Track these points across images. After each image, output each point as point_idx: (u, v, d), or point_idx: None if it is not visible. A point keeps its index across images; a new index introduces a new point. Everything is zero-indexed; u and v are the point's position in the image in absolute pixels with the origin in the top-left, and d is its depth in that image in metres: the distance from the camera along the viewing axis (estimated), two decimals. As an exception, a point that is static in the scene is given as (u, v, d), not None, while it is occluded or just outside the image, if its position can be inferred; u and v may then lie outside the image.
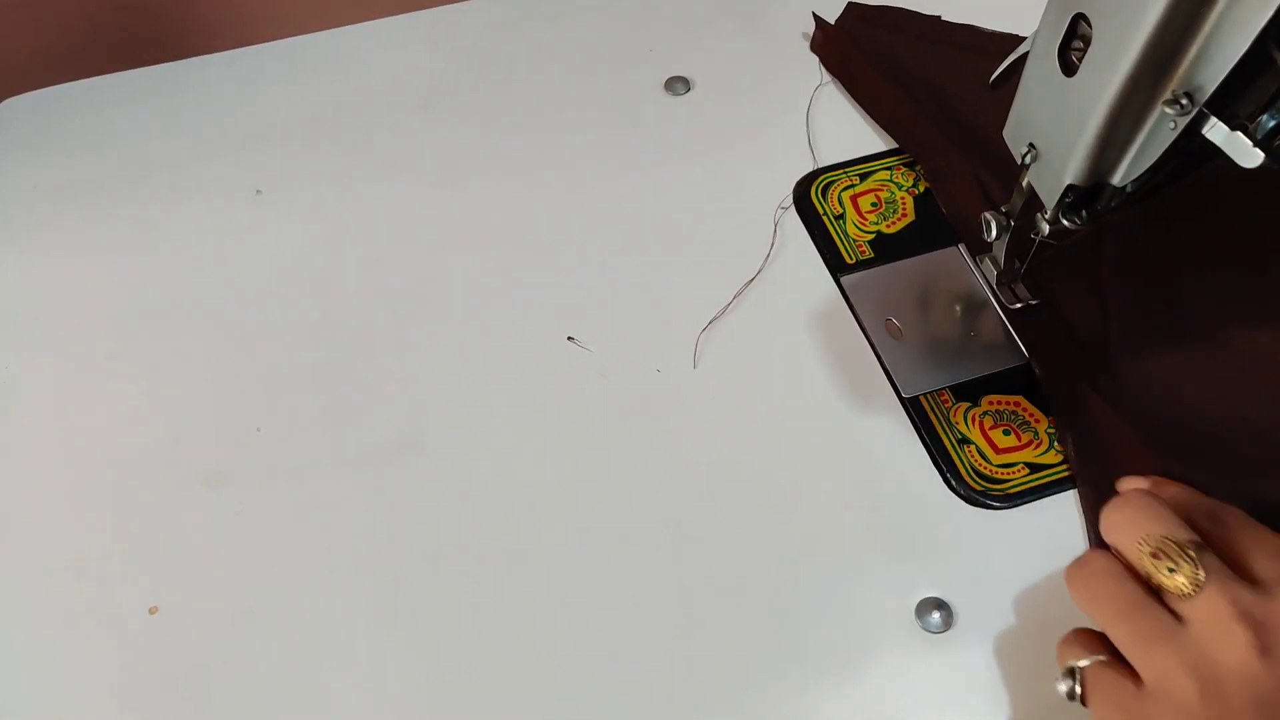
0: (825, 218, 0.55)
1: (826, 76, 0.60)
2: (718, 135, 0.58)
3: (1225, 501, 0.40)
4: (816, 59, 0.61)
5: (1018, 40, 0.60)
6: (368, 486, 0.48)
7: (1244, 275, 0.50)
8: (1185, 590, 0.34)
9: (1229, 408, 0.47)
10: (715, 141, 0.58)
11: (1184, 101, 0.37)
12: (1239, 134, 0.36)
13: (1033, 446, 0.47)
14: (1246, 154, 0.36)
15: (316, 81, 0.62)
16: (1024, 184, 0.45)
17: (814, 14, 0.61)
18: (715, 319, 0.51)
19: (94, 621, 0.45)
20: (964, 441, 0.48)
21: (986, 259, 0.52)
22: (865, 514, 0.46)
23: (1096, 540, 0.44)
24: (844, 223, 0.55)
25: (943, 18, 0.61)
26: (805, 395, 0.49)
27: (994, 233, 0.48)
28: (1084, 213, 0.43)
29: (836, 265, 0.53)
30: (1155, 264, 0.50)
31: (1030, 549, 0.45)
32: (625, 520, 0.46)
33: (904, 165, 0.57)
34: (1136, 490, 0.39)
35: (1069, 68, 0.40)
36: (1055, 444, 0.47)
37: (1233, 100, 0.36)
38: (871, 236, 0.54)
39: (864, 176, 0.56)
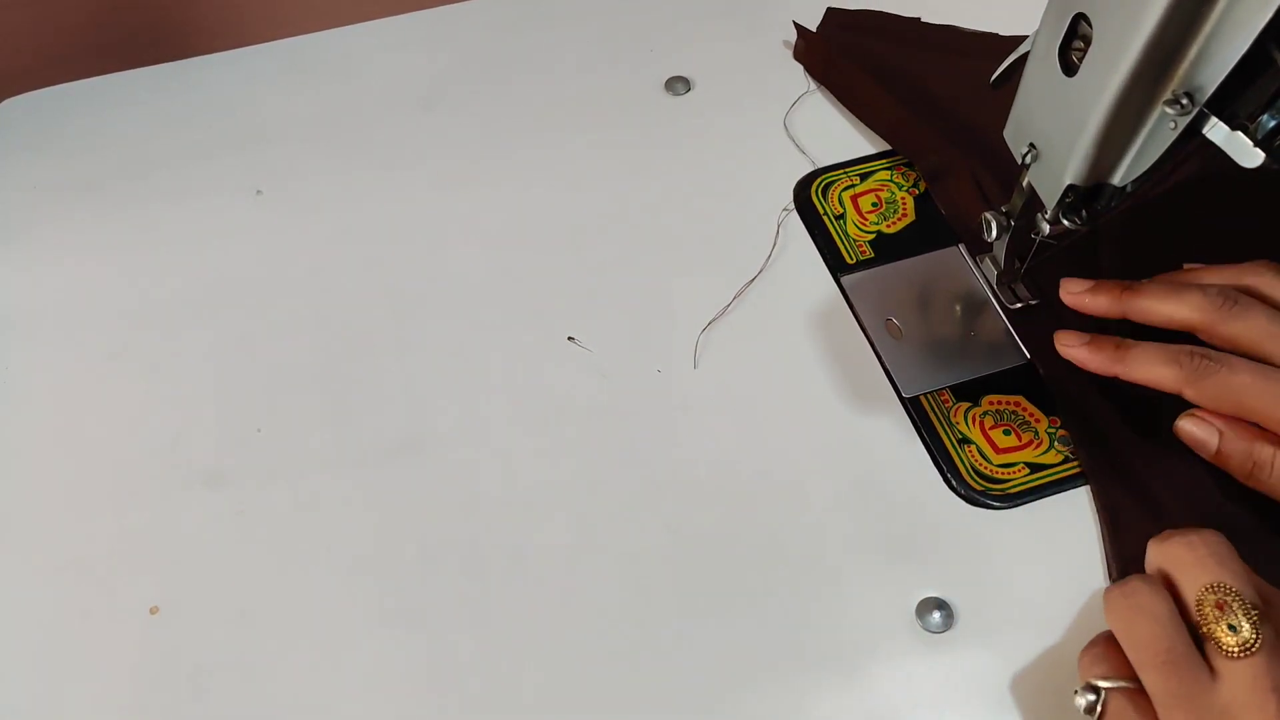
0: (825, 217, 0.55)
1: (812, 84, 0.60)
2: (718, 135, 0.58)
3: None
4: (801, 67, 0.61)
5: (997, 39, 0.60)
6: (368, 486, 0.48)
7: None
8: (1236, 652, 0.33)
9: None
10: (715, 141, 0.58)
11: (1184, 101, 0.37)
12: (1239, 134, 0.36)
13: (1033, 446, 0.47)
14: (1247, 154, 0.36)
15: (317, 82, 0.62)
16: (1024, 184, 0.45)
17: (795, 23, 0.61)
18: (715, 319, 0.52)
19: (94, 621, 0.45)
20: (964, 441, 0.48)
21: (987, 259, 0.52)
22: (865, 514, 0.46)
23: (1114, 553, 0.44)
24: (844, 222, 0.55)
25: (922, 19, 0.62)
26: (805, 395, 0.50)
27: (994, 233, 0.48)
28: (1084, 213, 0.43)
29: (837, 265, 0.53)
30: (1155, 264, 0.50)
31: (1031, 549, 0.45)
32: (625, 520, 0.46)
33: (904, 165, 0.57)
34: (1214, 532, 0.38)
35: (1069, 68, 0.40)
36: (1056, 444, 0.47)
37: (1233, 100, 0.36)
38: (872, 236, 0.54)
39: (864, 176, 0.57)
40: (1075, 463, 0.47)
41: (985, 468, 0.47)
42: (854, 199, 0.56)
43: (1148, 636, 0.35)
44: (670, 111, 0.60)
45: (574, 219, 0.56)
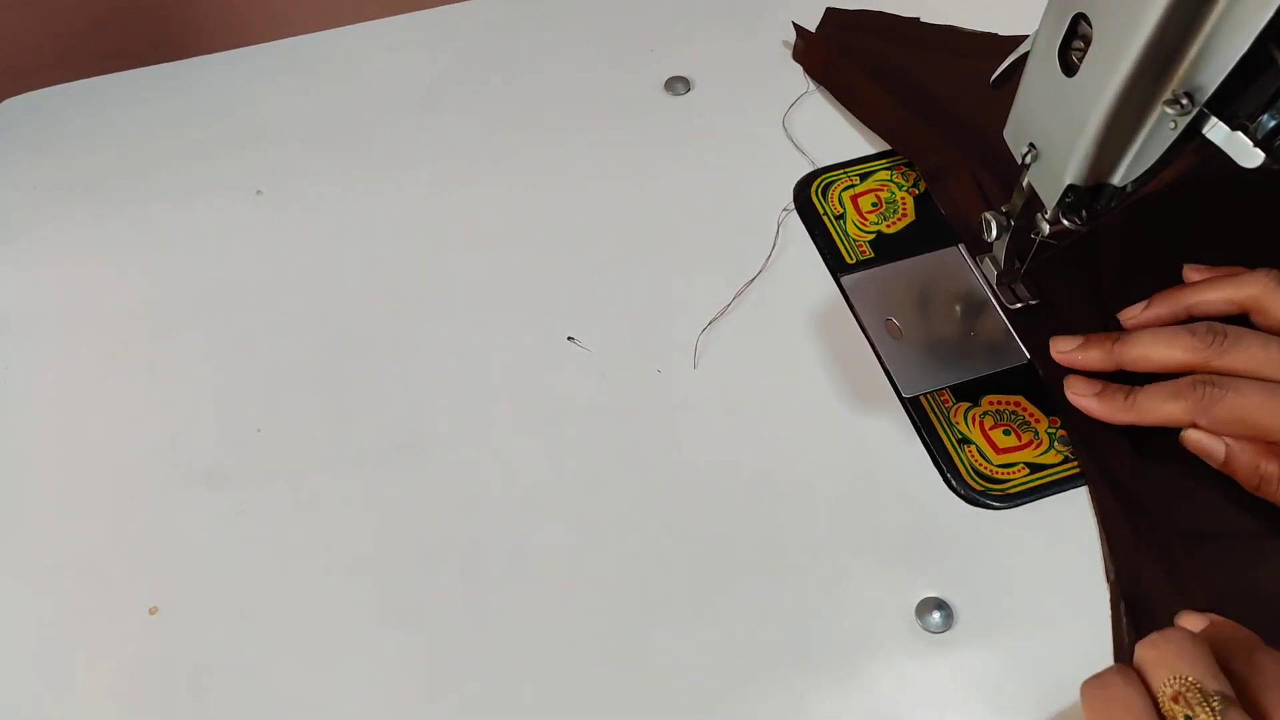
0: (825, 218, 0.55)
1: (811, 84, 0.60)
2: (718, 135, 0.58)
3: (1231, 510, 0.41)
4: (800, 67, 0.61)
5: (997, 39, 0.60)
6: (368, 486, 0.48)
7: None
8: None
9: None
10: (715, 141, 0.58)
11: (1184, 101, 0.37)
12: (1239, 134, 0.36)
13: (1033, 446, 0.47)
14: (1247, 154, 0.36)
15: (316, 82, 0.62)
16: (1024, 184, 0.45)
17: (794, 23, 0.61)
18: (715, 319, 0.52)
19: (94, 621, 0.45)
20: (964, 441, 0.48)
21: (987, 259, 0.52)
22: (865, 514, 0.46)
23: (1111, 556, 0.44)
24: (844, 223, 0.55)
25: (921, 19, 0.62)
26: (805, 395, 0.50)
27: (994, 233, 0.48)
28: (1084, 213, 0.43)
29: (837, 265, 0.53)
30: (1155, 263, 0.50)
31: (1030, 549, 0.45)
32: (625, 520, 0.46)
33: (904, 165, 0.57)
34: (1178, 629, 0.38)
35: (1069, 68, 0.40)
36: (1056, 444, 0.47)
37: (1233, 100, 0.36)
38: (872, 236, 0.54)
39: (864, 176, 0.57)
40: (1075, 463, 0.47)
41: (985, 468, 0.47)
42: (854, 199, 0.56)
43: None
44: (670, 112, 0.60)
45: (574, 219, 0.56)
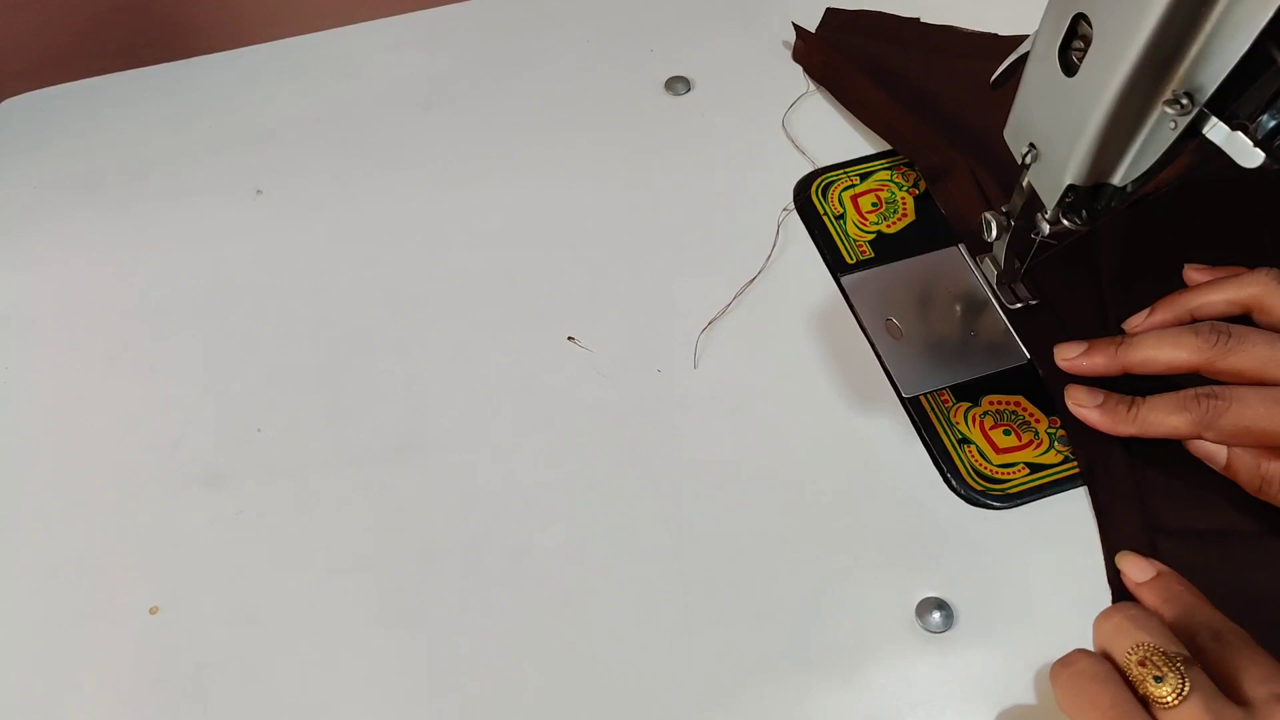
0: (825, 217, 0.55)
1: (811, 85, 0.60)
2: (718, 135, 0.58)
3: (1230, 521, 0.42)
4: (800, 68, 0.61)
5: (997, 39, 0.60)
6: (368, 486, 0.48)
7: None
8: (1169, 700, 0.34)
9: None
10: (715, 141, 0.58)
11: (1184, 101, 0.37)
12: (1239, 134, 0.36)
13: (1033, 446, 0.47)
14: (1247, 154, 0.36)
15: (316, 82, 0.62)
16: (1024, 184, 0.45)
17: (794, 24, 0.61)
18: (715, 319, 0.52)
19: (95, 621, 0.45)
20: (964, 441, 0.48)
21: (987, 259, 0.52)
22: (865, 514, 0.46)
23: (1110, 555, 0.44)
24: (844, 223, 0.55)
25: (921, 19, 0.62)
26: (805, 395, 0.50)
27: (994, 233, 0.48)
28: (1084, 213, 0.43)
29: (837, 265, 0.53)
30: (1155, 263, 0.50)
31: (1031, 549, 0.45)
32: (625, 520, 0.46)
33: (904, 165, 0.57)
34: (1127, 603, 0.39)
35: (1069, 68, 0.40)
36: (1056, 444, 0.47)
37: (1233, 100, 0.36)
38: (872, 236, 0.54)
39: (864, 176, 0.57)
40: (1075, 463, 0.47)
41: (985, 468, 0.47)
42: (854, 199, 0.56)
43: (1089, 695, 0.36)
44: (670, 111, 0.60)
45: (574, 219, 0.56)
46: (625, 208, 0.56)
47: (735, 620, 0.44)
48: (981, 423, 0.48)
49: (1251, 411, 0.42)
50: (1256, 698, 0.35)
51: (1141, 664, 0.35)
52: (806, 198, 0.56)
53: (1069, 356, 0.47)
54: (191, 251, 0.55)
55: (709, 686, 0.43)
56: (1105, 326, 0.49)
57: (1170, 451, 0.45)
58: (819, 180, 0.56)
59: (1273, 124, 0.35)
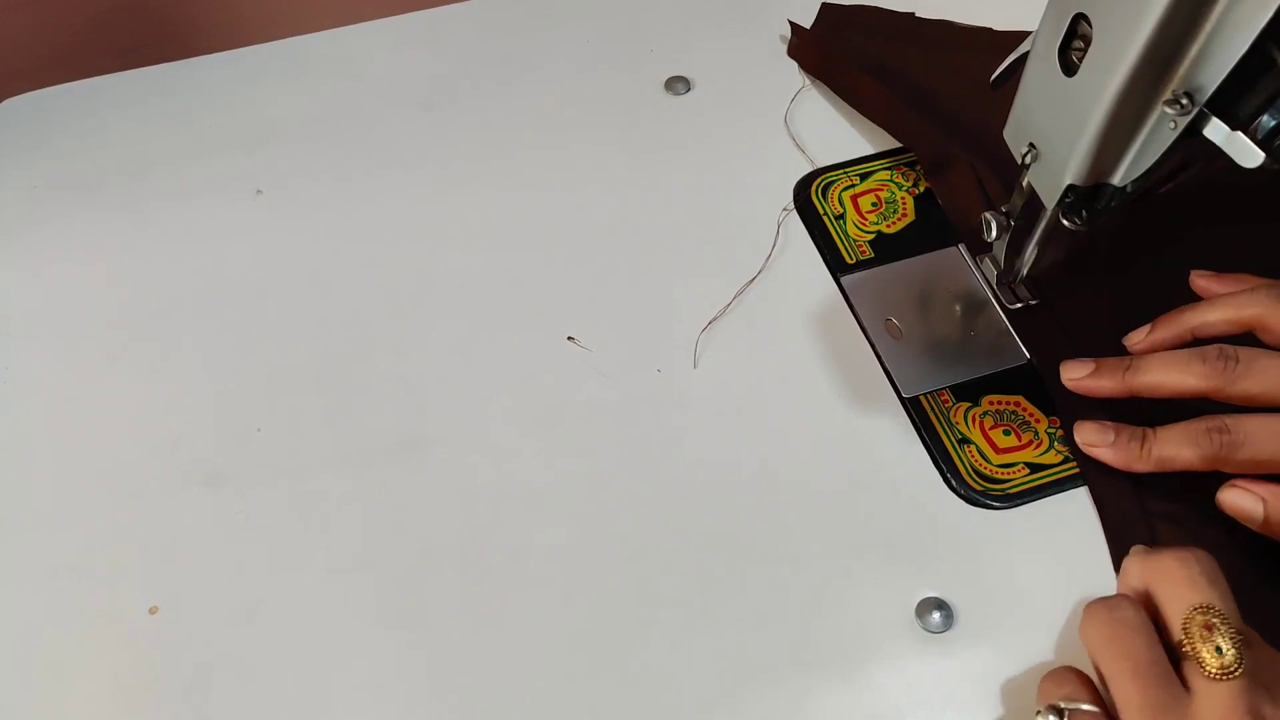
0: (825, 218, 0.55)
1: (806, 80, 0.60)
2: (718, 135, 0.58)
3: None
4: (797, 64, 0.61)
5: (992, 34, 0.60)
6: (368, 486, 0.48)
7: (1243, 272, 0.50)
8: (1217, 674, 0.34)
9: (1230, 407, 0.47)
10: (715, 141, 0.58)
11: (1184, 101, 0.37)
12: (1239, 134, 0.36)
13: (1033, 446, 0.47)
14: (1247, 154, 0.36)
15: (316, 82, 0.62)
16: (1024, 184, 0.45)
17: (790, 21, 0.61)
18: (715, 319, 0.52)
19: (94, 622, 0.45)
20: (964, 441, 0.48)
21: (987, 259, 0.52)
22: (865, 514, 0.46)
23: (1115, 554, 0.44)
24: (844, 223, 0.55)
25: (916, 14, 0.62)
26: (805, 395, 0.49)
27: (994, 233, 0.48)
28: (1084, 213, 0.43)
29: (837, 265, 0.53)
30: (1155, 263, 0.50)
31: (1031, 549, 0.45)
32: (625, 520, 0.46)
33: (905, 165, 0.57)
34: (1204, 552, 0.38)
35: (1069, 68, 0.40)
36: (1056, 444, 0.47)
37: (1233, 100, 0.36)
38: (872, 236, 0.54)
39: (864, 176, 0.56)
40: (1075, 463, 0.47)
41: (985, 468, 0.47)
42: (854, 199, 0.56)
43: (1130, 648, 0.35)
44: (670, 111, 0.60)
45: (574, 219, 0.56)
46: (625, 208, 0.56)
47: (735, 621, 0.44)
48: (981, 423, 0.48)
49: (1266, 447, 0.41)
50: None
51: (1207, 628, 0.35)
52: (806, 198, 0.56)
53: (1076, 376, 0.46)
54: (192, 251, 0.55)
55: (709, 687, 0.43)
56: (1105, 327, 0.49)
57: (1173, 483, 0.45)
58: (819, 180, 0.56)
59: (1273, 124, 0.35)
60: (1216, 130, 0.37)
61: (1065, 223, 0.44)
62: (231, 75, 0.62)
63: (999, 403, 0.49)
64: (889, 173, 0.57)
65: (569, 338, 0.51)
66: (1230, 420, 0.42)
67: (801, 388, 0.50)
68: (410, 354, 0.51)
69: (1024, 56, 0.43)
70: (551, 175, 0.57)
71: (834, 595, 0.44)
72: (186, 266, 0.55)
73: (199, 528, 0.47)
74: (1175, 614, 0.36)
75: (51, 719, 0.43)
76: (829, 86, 0.59)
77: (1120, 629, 0.36)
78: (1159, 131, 0.39)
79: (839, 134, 0.58)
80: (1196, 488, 0.44)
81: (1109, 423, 0.45)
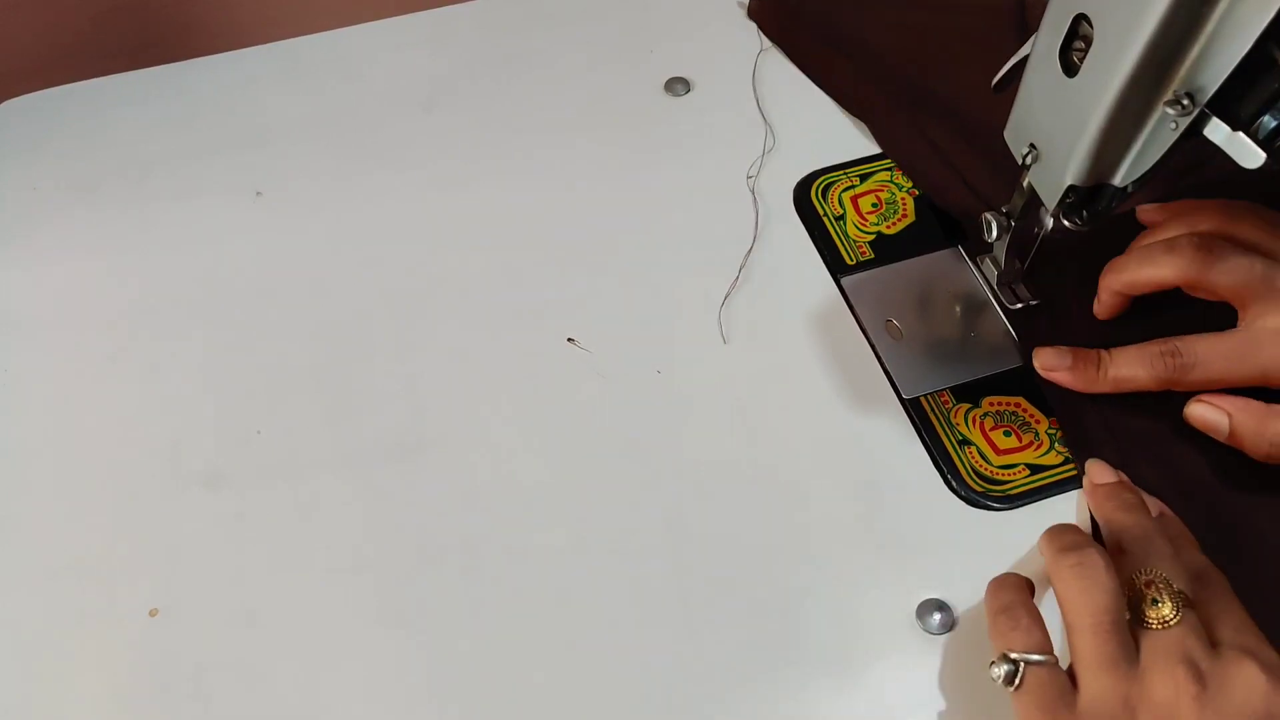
0: (825, 218, 0.55)
1: (766, 42, 0.60)
2: (717, 136, 0.58)
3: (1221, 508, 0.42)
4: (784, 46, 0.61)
5: None
6: (368, 488, 0.48)
7: None
8: (1154, 625, 0.37)
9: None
10: (715, 142, 0.58)
11: (1185, 102, 0.37)
12: (1240, 134, 0.36)
13: (1033, 448, 0.47)
14: (1248, 154, 0.36)
15: (316, 83, 0.61)
16: (1025, 184, 0.45)
17: None
18: (730, 293, 0.52)
19: (94, 624, 0.45)
20: (965, 442, 0.48)
21: (987, 259, 0.52)
22: (866, 515, 0.46)
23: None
24: (844, 223, 0.55)
25: None
26: (805, 396, 0.49)
27: (994, 233, 0.48)
28: (1085, 213, 0.43)
29: (837, 266, 0.53)
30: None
31: (1031, 550, 0.45)
32: (625, 521, 0.46)
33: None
34: (1168, 522, 0.42)
35: (1070, 68, 0.40)
36: (1056, 445, 0.47)
37: (1234, 101, 0.36)
38: (872, 237, 0.54)
39: (864, 177, 0.56)
40: (1075, 465, 0.46)
41: (986, 469, 0.47)
42: (854, 200, 0.56)
43: (1097, 605, 0.37)
44: (670, 112, 0.60)
45: (574, 220, 0.56)
46: (625, 209, 0.56)
47: (735, 621, 0.44)
48: (982, 424, 0.48)
49: (1215, 367, 0.44)
50: (1226, 643, 0.37)
51: (1147, 585, 0.38)
52: (806, 198, 0.56)
53: (1049, 366, 0.47)
54: (192, 253, 0.55)
55: (708, 688, 0.43)
56: (1105, 328, 0.49)
57: (1166, 447, 0.45)
58: (819, 181, 0.56)
59: (1274, 124, 0.35)
60: (1217, 131, 0.36)
61: (1066, 223, 0.44)
62: (232, 76, 0.62)
63: (999, 404, 0.49)
64: (889, 174, 0.57)
65: (569, 339, 0.51)
66: (1181, 343, 0.45)
67: (802, 389, 0.50)
68: (410, 355, 0.51)
69: (1025, 59, 0.43)
70: (551, 176, 0.57)
71: (834, 596, 0.44)
72: (187, 267, 0.55)
73: (199, 530, 0.47)
74: (1129, 570, 0.39)
75: (51, 721, 0.43)
76: (787, 54, 0.59)
77: (1090, 585, 0.38)
78: (1160, 132, 0.39)
79: (840, 135, 0.58)
80: (1166, 411, 0.45)
81: (1065, 347, 0.47)
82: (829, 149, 0.57)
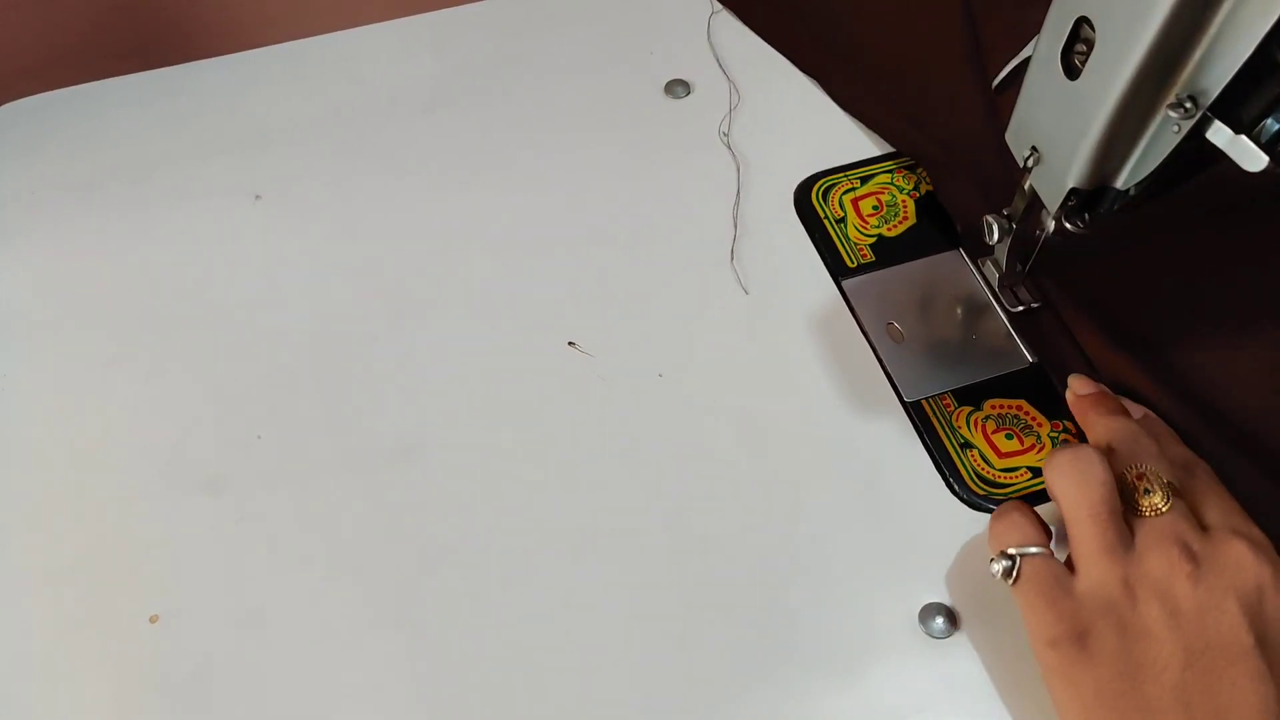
0: (826, 221, 0.55)
1: (716, 4, 0.60)
2: (717, 138, 0.58)
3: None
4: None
5: None
6: (368, 492, 0.47)
7: (1245, 276, 0.50)
8: (1147, 513, 0.39)
9: (1233, 402, 0.46)
10: (715, 144, 0.58)
11: (1188, 105, 0.36)
12: (1243, 137, 0.36)
13: (1035, 450, 0.47)
14: (1250, 157, 0.36)
15: (317, 85, 0.61)
16: (1026, 187, 0.45)
17: None
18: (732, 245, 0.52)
19: (94, 629, 0.45)
20: (966, 445, 0.48)
21: (988, 262, 0.52)
22: (867, 518, 0.46)
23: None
24: (845, 226, 0.55)
25: None
26: (807, 399, 0.49)
27: (996, 236, 0.48)
28: (1086, 216, 0.43)
29: (837, 269, 0.53)
30: (1156, 266, 0.50)
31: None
32: (626, 524, 0.46)
33: (905, 169, 0.57)
34: (1151, 423, 0.45)
35: (1072, 71, 0.39)
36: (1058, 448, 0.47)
37: (1237, 104, 0.36)
38: (873, 240, 0.54)
39: (865, 180, 0.56)
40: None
41: (987, 472, 0.47)
42: (854, 202, 0.55)
43: (1094, 497, 0.39)
44: (670, 114, 0.60)
45: (575, 223, 0.55)
46: (626, 212, 0.56)
47: (736, 625, 0.44)
48: (984, 427, 0.48)
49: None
50: (1215, 525, 0.39)
51: (1139, 478, 0.40)
52: (807, 201, 0.56)
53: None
54: (192, 255, 0.55)
55: (710, 692, 0.42)
56: (1106, 329, 0.49)
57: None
58: (820, 183, 0.56)
59: (1277, 127, 0.35)
60: (1220, 134, 0.36)
61: (1068, 225, 0.43)
62: (232, 79, 0.62)
63: (1001, 406, 0.49)
64: (890, 176, 0.56)
65: (569, 342, 0.51)
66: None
67: (803, 392, 0.50)
68: (411, 359, 0.51)
69: (1026, 60, 0.43)
70: (552, 179, 0.57)
71: (836, 600, 0.44)
72: (187, 270, 0.54)
73: (199, 535, 0.47)
74: (1120, 468, 0.41)
75: (51, 726, 0.43)
76: (740, 16, 0.58)
77: (1086, 480, 0.40)
78: (1162, 135, 0.39)
79: (840, 136, 0.58)
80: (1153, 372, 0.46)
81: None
82: (829, 150, 0.57)
